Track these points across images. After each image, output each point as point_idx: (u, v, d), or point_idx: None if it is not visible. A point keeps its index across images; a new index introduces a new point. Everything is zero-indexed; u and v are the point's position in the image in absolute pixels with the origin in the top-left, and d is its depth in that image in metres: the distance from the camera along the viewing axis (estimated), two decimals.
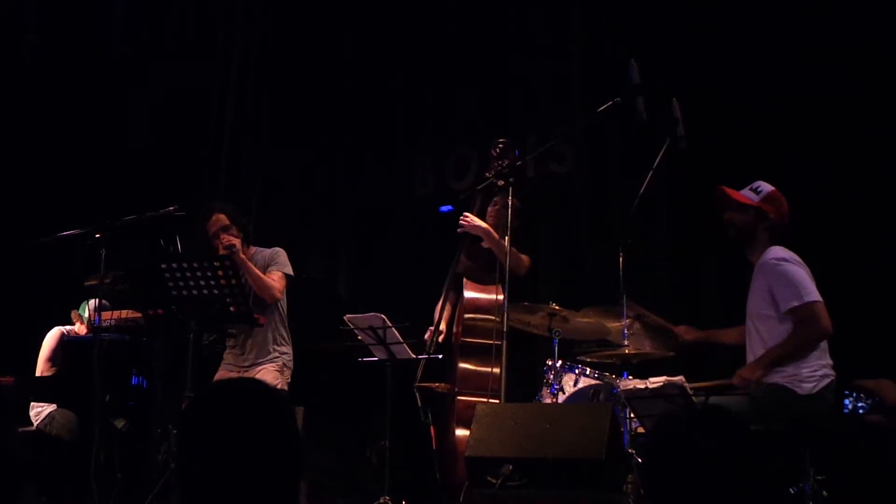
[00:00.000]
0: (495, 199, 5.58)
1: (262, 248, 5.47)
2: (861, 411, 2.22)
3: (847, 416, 2.25)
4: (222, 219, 5.33)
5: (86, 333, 6.25)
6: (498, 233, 5.43)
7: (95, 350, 5.02)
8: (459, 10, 7.22)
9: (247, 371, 5.25)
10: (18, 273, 7.47)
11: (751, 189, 4.43)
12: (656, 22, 6.22)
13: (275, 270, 5.32)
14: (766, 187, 4.42)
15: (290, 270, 5.38)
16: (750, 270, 4.44)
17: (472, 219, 5.50)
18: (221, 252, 5.17)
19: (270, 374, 5.19)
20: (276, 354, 5.30)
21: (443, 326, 5.52)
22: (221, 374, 5.30)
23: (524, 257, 5.41)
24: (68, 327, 6.36)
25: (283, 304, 5.41)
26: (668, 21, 6.17)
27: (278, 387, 5.14)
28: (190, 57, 8.15)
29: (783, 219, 4.39)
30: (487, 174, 5.26)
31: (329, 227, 7.71)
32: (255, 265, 5.27)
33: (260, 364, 5.26)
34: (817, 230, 4.97)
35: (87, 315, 6.26)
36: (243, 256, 5.17)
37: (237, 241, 5.20)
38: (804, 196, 4.54)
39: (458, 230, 5.53)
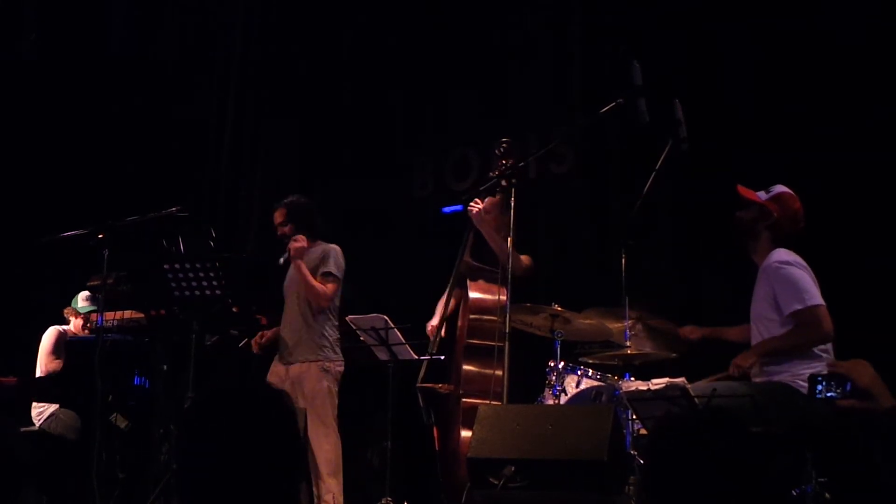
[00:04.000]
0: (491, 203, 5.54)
1: (322, 243, 5.54)
2: (832, 396, 2.22)
3: (820, 402, 2.26)
4: (277, 215, 5.59)
5: (82, 326, 6.26)
6: (496, 234, 5.41)
7: (98, 350, 5.03)
8: (459, 10, 7.22)
9: (290, 365, 5.33)
10: (20, 274, 7.47)
11: (766, 190, 4.44)
12: (657, 22, 6.22)
13: (324, 276, 5.38)
14: (779, 188, 4.42)
15: (332, 268, 5.41)
16: (752, 271, 4.43)
17: (479, 207, 5.41)
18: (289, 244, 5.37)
19: (315, 375, 5.27)
20: (320, 354, 5.34)
21: (436, 321, 5.52)
22: (272, 368, 5.40)
23: (524, 257, 5.39)
24: (65, 327, 6.36)
25: (336, 301, 5.47)
26: (669, 21, 6.17)
27: (325, 387, 5.24)
28: (190, 57, 8.17)
29: (789, 220, 4.37)
30: (492, 174, 5.24)
31: (330, 229, 7.69)
32: (310, 259, 5.40)
33: (301, 362, 5.33)
34: (818, 230, 4.97)
35: (79, 306, 6.26)
36: (300, 262, 5.32)
37: (300, 246, 5.33)
38: (805, 196, 4.53)
39: (470, 210, 5.46)
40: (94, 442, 4.89)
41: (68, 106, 7.91)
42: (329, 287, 5.36)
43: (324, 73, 7.77)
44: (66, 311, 6.39)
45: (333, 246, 5.52)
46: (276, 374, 5.36)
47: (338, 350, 5.41)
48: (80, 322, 6.31)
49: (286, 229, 5.50)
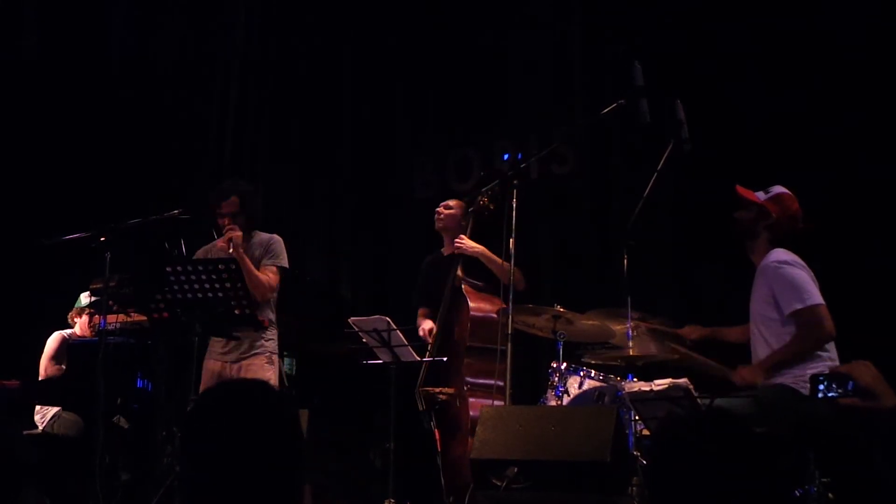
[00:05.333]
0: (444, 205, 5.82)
1: (261, 234, 5.31)
2: (833, 396, 2.23)
3: (822, 401, 2.27)
4: (234, 203, 5.21)
5: (88, 326, 6.25)
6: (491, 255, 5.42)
7: (100, 353, 5.02)
8: (460, 10, 7.22)
9: (235, 363, 5.11)
10: (22, 277, 7.47)
11: (765, 190, 4.44)
12: (658, 22, 6.22)
13: (269, 265, 5.19)
14: (778, 189, 4.42)
15: (284, 262, 5.25)
16: (752, 272, 4.43)
17: (466, 241, 5.49)
18: (225, 234, 5.13)
19: (261, 369, 5.07)
20: (263, 346, 5.14)
21: (427, 327, 5.51)
22: (208, 364, 5.16)
23: (517, 272, 5.19)
24: (69, 331, 6.36)
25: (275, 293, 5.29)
26: (670, 21, 6.17)
27: (271, 379, 4.99)
28: (190, 57, 8.16)
29: (787, 220, 4.37)
30: (480, 200, 5.44)
31: (331, 229, 7.70)
32: (252, 249, 5.20)
33: (247, 357, 5.11)
34: (818, 231, 4.98)
35: (82, 304, 6.25)
36: (241, 252, 5.06)
37: (239, 235, 5.10)
38: (806, 195, 4.53)
39: (454, 251, 5.53)
40: (97, 444, 4.89)
41: (68, 106, 7.89)
42: (273, 278, 5.16)
43: (324, 73, 7.77)
44: (71, 314, 6.39)
45: (275, 236, 5.31)
46: (214, 373, 5.09)
47: (276, 341, 5.22)
48: (85, 320, 6.29)
49: (239, 221, 5.15)
